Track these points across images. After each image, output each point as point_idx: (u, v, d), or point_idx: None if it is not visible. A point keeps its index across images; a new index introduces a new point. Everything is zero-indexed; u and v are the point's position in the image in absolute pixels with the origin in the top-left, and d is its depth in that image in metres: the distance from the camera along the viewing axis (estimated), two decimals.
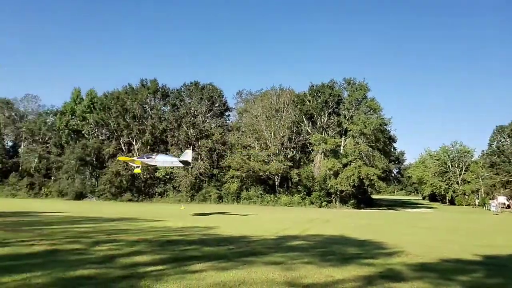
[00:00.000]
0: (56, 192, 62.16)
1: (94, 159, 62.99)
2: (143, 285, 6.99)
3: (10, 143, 75.67)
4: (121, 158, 39.11)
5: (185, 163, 30.88)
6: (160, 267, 8.57)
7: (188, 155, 30.26)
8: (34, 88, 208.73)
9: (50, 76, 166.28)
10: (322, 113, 57.24)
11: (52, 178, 65.61)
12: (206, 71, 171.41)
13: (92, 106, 66.06)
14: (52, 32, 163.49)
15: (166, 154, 44.21)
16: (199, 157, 59.73)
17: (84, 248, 11.09)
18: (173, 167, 51.90)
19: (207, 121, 63.61)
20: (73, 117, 67.29)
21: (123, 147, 62.88)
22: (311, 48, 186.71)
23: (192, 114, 62.59)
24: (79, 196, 59.29)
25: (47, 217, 23.70)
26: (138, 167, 31.21)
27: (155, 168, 59.77)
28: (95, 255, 10.00)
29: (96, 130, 65.56)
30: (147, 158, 31.20)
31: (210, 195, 57.20)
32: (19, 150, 73.20)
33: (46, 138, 69.13)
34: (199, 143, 60.13)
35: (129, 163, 38.77)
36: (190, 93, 63.99)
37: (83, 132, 65.42)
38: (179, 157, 32.54)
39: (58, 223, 19.51)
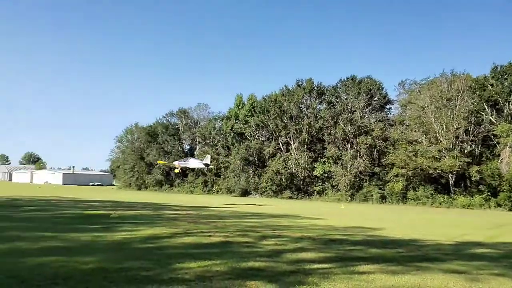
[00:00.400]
0: (225, 189, 70.23)
1: (256, 159, 68.46)
2: (310, 282, 7.07)
3: (188, 147, 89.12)
4: (160, 162, 53.77)
5: (206, 165, 41.06)
6: (326, 265, 8.58)
7: (207, 158, 40.00)
8: (204, 98, 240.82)
9: (216, 85, 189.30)
10: (511, 98, 48.44)
11: (221, 176, 74.20)
12: (363, 64, 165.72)
13: (252, 109, 72.16)
14: (219, 44, 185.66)
15: (195, 158, 57.07)
16: (358, 154, 58.26)
17: (252, 241, 12.03)
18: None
19: (366, 116, 61.48)
20: (236, 121, 74.62)
21: (281, 147, 66.53)
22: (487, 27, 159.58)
23: (349, 110, 61.57)
24: (245, 193, 65.48)
25: (219, 211, 26.84)
26: (176, 168, 42.33)
27: (313, 167, 61.37)
28: (263, 249, 10.71)
29: (257, 132, 71.14)
30: (183, 161, 44.88)
31: (372, 195, 55.10)
32: (195, 152, 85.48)
33: (215, 141, 78.61)
34: (358, 140, 58.63)
35: (169, 165, 54.11)
36: (346, 88, 63.05)
37: (245, 134, 71.89)
38: (203, 161, 42.49)
39: (229, 217, 21.83)
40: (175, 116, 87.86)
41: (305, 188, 63.07)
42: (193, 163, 45.65)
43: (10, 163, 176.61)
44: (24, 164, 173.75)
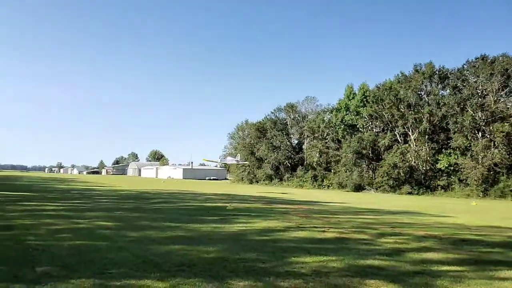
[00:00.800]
0: (336, 183, 69.01)
1: (370, 152, 65.74)
2: (440, 285, 6.53)
3: (296, 141, 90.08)
4: (204, 159, 63.21)
5: (237, 161, 51.73)
6: (457, 268, 7.83)
7: (238, 156, 48.59)
8: (312, 91, 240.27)
9: (324, 77, 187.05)
10: None
11: (332, 171, 73.18)
12: (496, 40, 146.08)
13: (365, 99, 69.31)
14: (325, 34, 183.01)
15: (232, 157, 71.16)
16: (492, 144, 51.69)
17: (370, 238, 11.58)
18: None
19: (501, 100, 54.11)
20: (347, 112, 72.66)
21: (398, 138, 62.76)
22: None
23: (479, 94, 54.89)
24: (358, 188, 63.43)
25: (332, 206, 26.51)
26: (218, 163, 50.48)
27: (436, 160, 56.59)
28: (382, 246, 10.23)
29: (370, 123, 68.30)
30: (224, 159, 53.60)
31: (511, 190, 48.45)
32: (303, 146, 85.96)
33: (325, 134, 77.76)
34: (491, 127, 52.00)
35: (212, 161, 67.67)
36: (475, 70, 56.11)
37: (357, 126, 69.56)
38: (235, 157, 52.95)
39: (342, 212, 21.40)
40: (283, 111, 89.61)
41: (427, 183, 58.40)
42: (229, 160, 68.28)
43: (139, 160, 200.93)
44: (150, 160, 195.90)
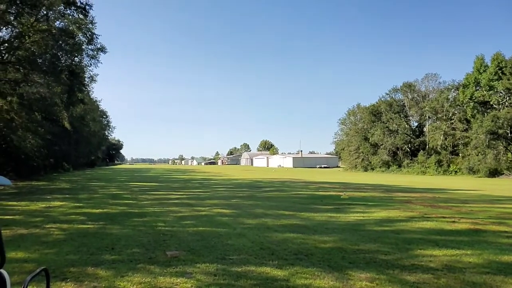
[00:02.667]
0: (466, 169, 62.49)
1: (508, 131, 57.98)
2: None
3: (415, 123, 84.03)
4: None
5: None
6: None
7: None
8: (432, 67, 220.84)
9: (446, 50, 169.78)
10: None
11: (460, 154, 66.60)
12: None
13: (500, 72, 61.05)
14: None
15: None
16: None
17: None
18: None
19: None
20: (477, 88, 65.05)
21: None
22: None
23: None
24: (493, 173, 56.54)
25: (461, 194, 24.07)
26: None
27: None
28: None
29: (507, 98, 60.15)
30: None
31: None
32: (424, 129, 79.72)
33: (450, 114, 70.99)
34: None
35: None
36: None
37: (491, 103, 61.91)
38: None
39: (475, 201, 19.28)
40: (400, 92, 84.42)
41: None
42: None
43: (250, 150, 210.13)
44: (261, 150, 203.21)
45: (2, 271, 2.40)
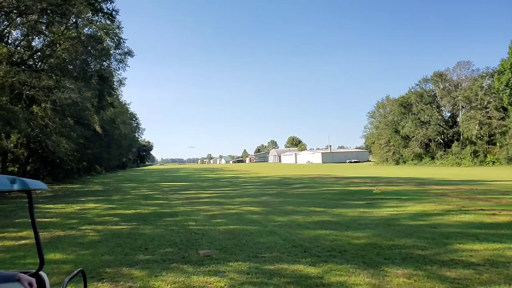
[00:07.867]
0: (505, 159, 60.09)
1: None
2: None
3: (448, 114, 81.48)
4: None
5: None
6: None
7: None
8: (464, 55, 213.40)
9: (479, 36, 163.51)
10: None
11: (498, 144, 64.06)
12: None
13: None
14: None
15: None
16: None
17: None
18: None
19: None
20: None
21: None
22: None
23: None
24: None
25: (500, 185, 23.12)
26: None
27: None
28: None
29: None
30: None
31: None
32: (457, 119, 77.18)
33: (485, 103, 68.42)
34: None
35: None
36: None
37: None
38: None
39: None
40: (430, 82, 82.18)
41: None
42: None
43: (278, 147, 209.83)
44: (288, 147, 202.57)
45: (42, 273, 2.46)
